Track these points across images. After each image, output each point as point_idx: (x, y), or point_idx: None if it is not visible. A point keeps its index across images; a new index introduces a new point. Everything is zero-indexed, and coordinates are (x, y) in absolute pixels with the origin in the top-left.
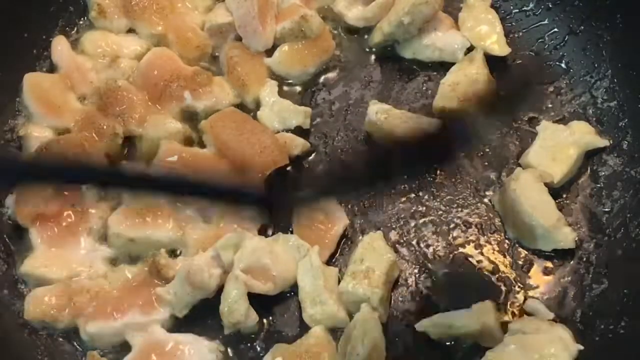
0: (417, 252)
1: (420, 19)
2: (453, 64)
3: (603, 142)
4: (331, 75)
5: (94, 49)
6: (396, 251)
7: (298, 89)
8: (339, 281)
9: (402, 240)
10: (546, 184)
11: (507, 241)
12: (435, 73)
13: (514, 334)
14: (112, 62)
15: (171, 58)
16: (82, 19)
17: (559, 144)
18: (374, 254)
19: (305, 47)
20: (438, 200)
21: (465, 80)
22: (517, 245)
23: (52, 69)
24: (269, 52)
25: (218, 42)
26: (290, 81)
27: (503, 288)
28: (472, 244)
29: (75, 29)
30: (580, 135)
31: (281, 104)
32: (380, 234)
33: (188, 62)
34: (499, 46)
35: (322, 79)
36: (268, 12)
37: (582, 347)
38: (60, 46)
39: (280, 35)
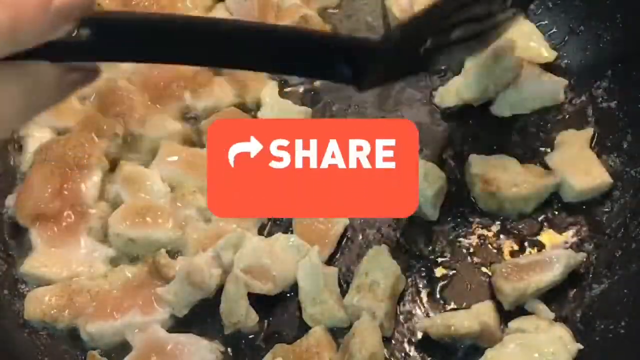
0: (417, 252)
1: (504, 82)
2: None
3: (590, 131)
4: None
5: None
6: (396, 251)
7: (298, 89)
8: (343, 294)
9: (401, 240)
10: (607, 190)
11: (508, 241)
12: (435, 74)
13: (514, 332)
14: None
15: None
16: None
17: (575, 159)
18: (378, 267)
19: None
20: None
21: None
22: (518, 244)
23: None
24: None
25: None
26: (290, 81)
27: None
28: (472, 244)
29: None
30: (575, 139)
31: (281, 105)
32: (384, 247)
33: None
34: (546, 51)
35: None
36: (268, 13)
37: (581, 347)
38: None
39: None
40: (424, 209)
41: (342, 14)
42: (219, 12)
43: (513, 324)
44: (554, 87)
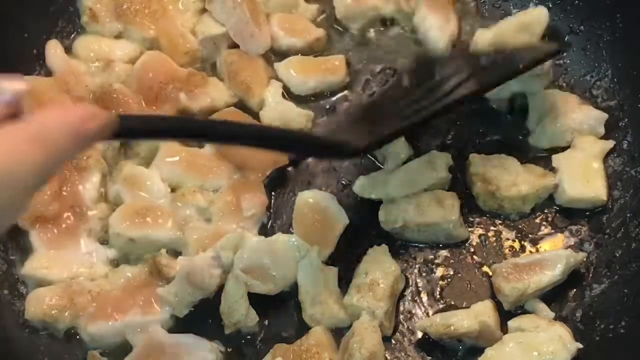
0: (417, 252)
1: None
2: None
3: (610, 143)
4: None
5: (87, 54)
6: (396, 252)
7: (301, 91)
8: (344, 294)
9: (401, 240)
10: (599, 206)
11: (508, 241)
12: None
13: (513, 331)
14: (107, 67)
15: (165, 60)
16: (81, 19)
17: (581, 165)
18: (378, 267)
19: (315, 62)
20: None
21: None
22: (518, 244)
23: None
24: (266, 55)
25: (212, 52)
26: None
27: None
28: (472, 244)
29: (75, 29)
30: (591, 147)
31: (284, 106)
32: (384, 247)
33: (181, 66)
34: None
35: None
36: (259, 14)
37: (581, 346)
38: (54, 50)
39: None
40: (454, 233)
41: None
42: (209, 24)
43: (513, 322)
44: (594, 121)
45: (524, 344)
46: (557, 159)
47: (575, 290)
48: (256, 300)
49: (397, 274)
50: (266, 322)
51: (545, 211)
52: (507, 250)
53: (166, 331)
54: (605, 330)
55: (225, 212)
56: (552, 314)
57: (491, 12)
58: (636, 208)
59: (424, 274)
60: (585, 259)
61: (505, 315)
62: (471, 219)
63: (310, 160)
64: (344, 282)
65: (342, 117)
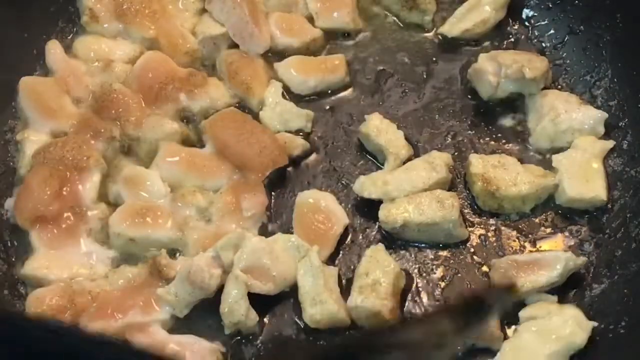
0: (417, 252)
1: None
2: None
3: (610, 143)
4: None
5: (87, 54)
6: (396, 252)
7: (302, 92)
8: (343, 294)
9: (402, 241)
10: (599, 206)
11: (508, 241)
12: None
13: (525, 321)
14: (106, 67)
15: (165, 60)
16: (81, 19)
17: (581, 166)
18: (378, 266)
19: (315, 62)
20: None
21: None
22: (517, 244)
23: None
24: (265, 55)
25: (212, 52)
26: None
27: None
28: (472, 244)
29: (75, 29)
30: (591, 147)
31: (284, 106)
32: (381, 246)
33: (181, 66)
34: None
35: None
36: (259, 14)
37: (596, 324)
38: (53, 50)
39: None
40: (454, 233)
41: None
42: (209, 24)
43: (524, 312)
44: (594, 121)
45: (539, 331)
46: (557, 159)
47: (575, 290)
48: (256, 300)
49: (397, 271)
50: (266, 322)
51: (546, 211)
52: (507, 251)
53: (166, 331)
54: (605, 330)
55: (225, 212)
56: (555, 297)
57: None
58: (636, 208)
59: (424, 274)
60: (584, 263)
61: (505, 315)
62: (471, 219)
63: (310, 160)
64: (344, 282)
65: None
